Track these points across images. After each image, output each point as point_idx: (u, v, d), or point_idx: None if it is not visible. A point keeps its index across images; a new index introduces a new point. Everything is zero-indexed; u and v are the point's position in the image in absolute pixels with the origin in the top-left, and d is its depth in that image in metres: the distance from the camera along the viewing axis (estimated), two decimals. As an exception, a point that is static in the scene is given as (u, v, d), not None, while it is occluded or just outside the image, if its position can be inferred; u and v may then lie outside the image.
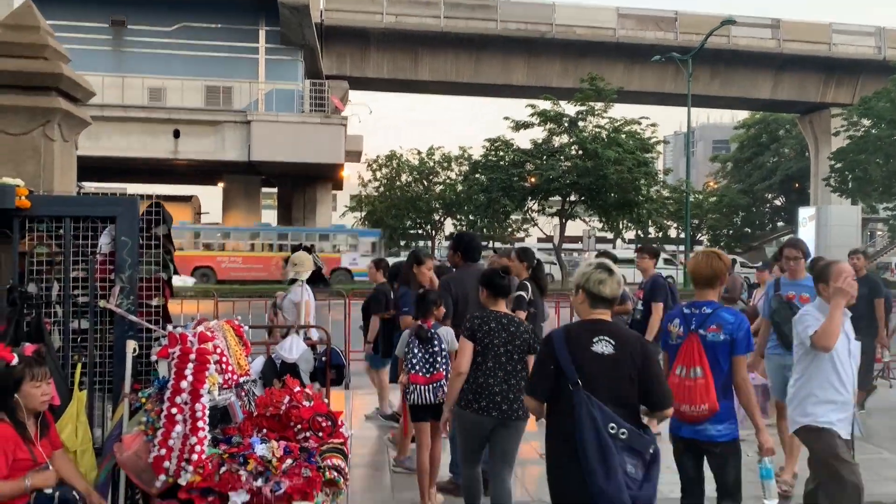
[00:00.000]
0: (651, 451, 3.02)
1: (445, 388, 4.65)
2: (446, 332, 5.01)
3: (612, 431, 2.95)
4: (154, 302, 4.07)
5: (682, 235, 42.27)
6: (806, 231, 43.15)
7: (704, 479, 3.80)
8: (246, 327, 4.07)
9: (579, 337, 3.15)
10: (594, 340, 3.11)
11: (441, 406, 4.66)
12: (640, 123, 32.32)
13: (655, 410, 3.15)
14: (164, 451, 3.29)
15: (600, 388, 3.02)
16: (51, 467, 3.42)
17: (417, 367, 4.86)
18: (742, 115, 57.02)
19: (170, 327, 3.69)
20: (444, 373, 4.84)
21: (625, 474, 2.92)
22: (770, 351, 5.84)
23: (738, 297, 9.22)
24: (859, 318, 7.94)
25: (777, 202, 54.62)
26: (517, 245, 42.25)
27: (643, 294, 7.00)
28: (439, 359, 4.88)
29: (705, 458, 3.74)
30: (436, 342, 4.92)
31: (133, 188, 29.55)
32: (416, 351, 4.90)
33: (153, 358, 3.65)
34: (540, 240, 48.98)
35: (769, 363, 5.87)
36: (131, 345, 3.82)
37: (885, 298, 8.02)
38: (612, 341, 3.11)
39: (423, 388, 4.82)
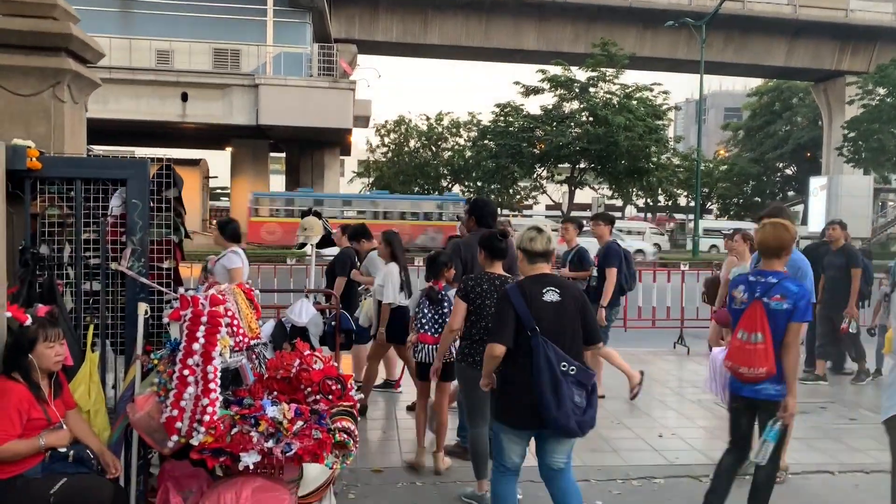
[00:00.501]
0: (592, 382, 3.61)
1: (455, 349, 4.78)
2: (452, 293, 5.11)
3: (564, 369, 3.52)
4: (165, 264, 4.08)
5: (692, 204, 42.06)
6: (817, 201, 42.83)
7: (752, 436, 4.11)
8: (256, 291, 4.09)
9: (532, 290, 3.67)
10: (544, 291, 3.67)
11: (449, 366, 4.86)
12: (651, 90, 32.01)
13: (590, 345, 3.73)
14: (176, 412, 3.32)
15: (553, 331, 3.58)
16: (65, 427, 3.47)
17: (427, 327, 5.05)
18: (755, 82, 56.24)
19: (181, 290, 3.71)
20: None
21: (572, 402, 3.50)
22: None
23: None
24: (836, 289, 8.01)
25: (788, 171, 54.14)
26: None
27: (598, 260, 7.27)
28: (448, 320, 4.95)
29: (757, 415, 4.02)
30: (445, 303, 5.08)
31: (141, 151, 29.42)
32: (426, 311, 5.09)
33: (165, 320, 3.67)
34: (548, 207, 48.82)
35: None
36: (143, 307, 3.84)
37: (864, 269, 8.04)
38: (557, 290, 3.69)
39: (430, 347, 5.01)
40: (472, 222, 5.77)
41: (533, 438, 3.76)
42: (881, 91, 34.89)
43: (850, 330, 8.00)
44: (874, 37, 39.19)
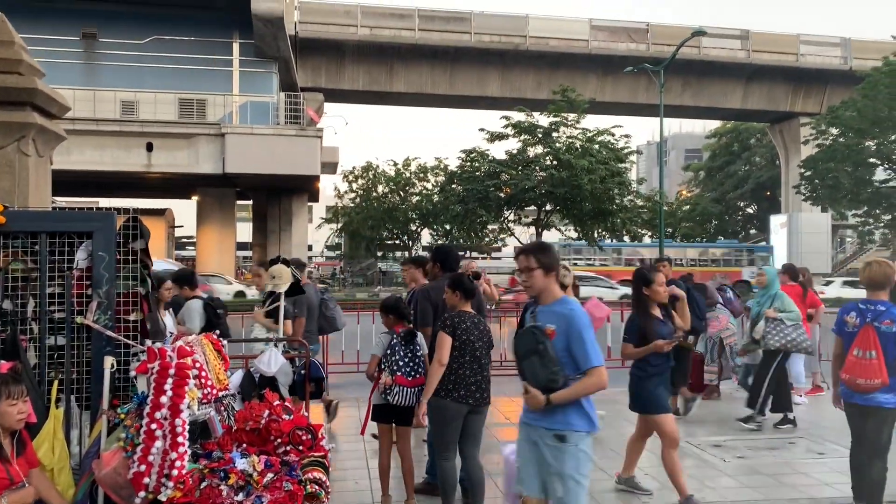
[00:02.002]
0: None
1: (404, 392, 5.05)
2: (420, 337, 5.29)
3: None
4: (132, 317, 4.05)
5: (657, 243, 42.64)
6: (778, 238, 43.78)
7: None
8: (224, 341, 4.07)
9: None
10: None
11: (408, 410, 5.07)
12: (612, 134, 32.65)
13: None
14: (143, 467, 3.27)
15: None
16: (28, 486, 3.39)
17: (405, 370, 5.07)
18: (713, 124, 57.86)
19: (148, 342, 3.68)
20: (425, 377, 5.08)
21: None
22: None
23: (716, 301, 9.37)
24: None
25: (749, 210, 55.40)
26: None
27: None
28: (420, 362, 5.11)
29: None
30: (418, 345, 5.18)
31: (105, 202, 29.16)
32: (400, 352, 5.11)
33: (132, 373, 3.63)
34: (517, 249, 49.07)
35: None
36: (109, 360, 3.79)
37: (696, 303, 8.42)
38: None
39: (408, 390, 5.04)
40: (437, 268, 5.99)
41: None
42: (834, 131, 36.09)
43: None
44: (825, 80, 40.69)
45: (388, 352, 5.16)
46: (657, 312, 5.39)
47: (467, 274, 5.46)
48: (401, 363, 5.07)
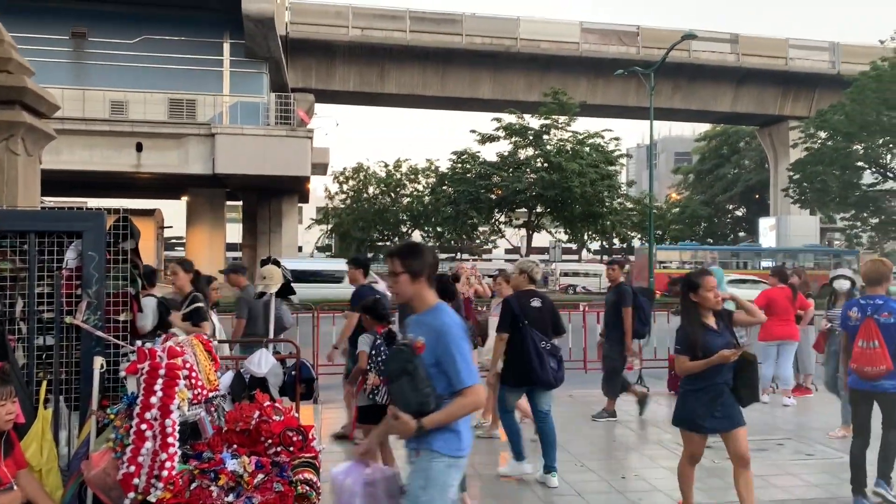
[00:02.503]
0: (560, 353, 6.09)
1: (373, 390, 5.22)
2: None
3: (543, 345, 5.92)
4: (122, 317, 4.03)
5: (647, 246, 42.87)
6: (767, 241, 44.02)
7: (871, 424, 5.28)
8: (215, 342, 4.05)
9: (522, 299, 6.11)
10: (531, 300, 6.10)
11: (378, 409, 5.05)
12: (602, 137, 32.83)
13: (557, 334, 6.22)
14: (133, 468, 3.25)
15: (535, 323, 5.97)
16: (16, 487, 3.36)
17: None
18: (703, 127, 58.12)
19: (138, 342, 3.66)
20: None
21: (550, 367, 5.88)
22: None
23: None
24: (609, 325, 8.19)
25: (738, 213, 55.69)
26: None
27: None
28: None
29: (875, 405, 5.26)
30: None
31: (94, 202, 29.02)
32: (386, 353, 5.12)
33: (121, 374, 3.61)
34: (507, 251, 49.24)
35: None
36: (99, 361, 3.77)
37: (640, 308, 8.14)
38: (540, 300, 6.14)
39: None
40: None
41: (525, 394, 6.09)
42: (822, 135, 36.34)
43: (634, 367, 8.43)
44: (814, 83, 40.97)
45: (373, 352, 5.19)
46: (711, 321, 4.65)
47: (452, 274, 6.05)
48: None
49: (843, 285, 8.22)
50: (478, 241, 42.46)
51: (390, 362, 3.16)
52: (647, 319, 8.36)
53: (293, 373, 5.67)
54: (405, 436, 2.99)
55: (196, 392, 3.56)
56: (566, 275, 44.61)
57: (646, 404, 8.42)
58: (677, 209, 53.09)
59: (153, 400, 3.31)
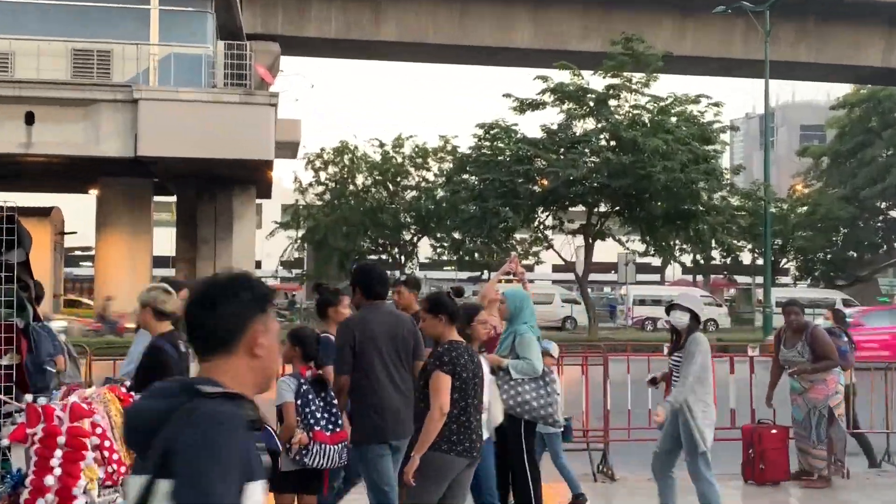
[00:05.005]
0: None
1: (348, 449, 5.93)
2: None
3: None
4: (5, 360, 4.04)
5: (760, 262, 42.53)
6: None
7: None
8: (137, 395, 4.05)
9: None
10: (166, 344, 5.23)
11: (330, 471, 6.03)
12: (697, 102, 32.74)
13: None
14: (19, 579, 3.25)
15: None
16: None
17: (323, 423, 5.79)
18: (843, 89, 57.83)
19: (28, 397, 3.66)
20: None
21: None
22: None
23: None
24: None
25: (893, 213, 55.22)
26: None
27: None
28: (338, 412, 5.94)
29: None
30: (330, 392, 5.96)
31: (-34, 197, 29.15)
32: (318, 402, 5.85)
33: (4, 442, 3.62)
34: (557, 268, 49.14)
35: None
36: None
37: None
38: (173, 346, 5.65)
39: (330, 448, 5.76)
40: (359, 295, 6.46)
41: None
42: None
43: None
44: None
45: (299, 402, 5.76)
46: None
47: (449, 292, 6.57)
48: (318, 415, 5.80)
49: None
50: (514, 253, 42.42)
51: None
52: None
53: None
54: None
55: (110, 469, 3.56)
56: (642, 302, 44.41)
57: None
58: (805, 208, 52.75)
59: (49, 480, 3.31)
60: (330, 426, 5.82)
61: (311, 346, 6.11)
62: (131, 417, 2.40)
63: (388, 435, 5.91)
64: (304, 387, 5.81)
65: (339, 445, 5.82)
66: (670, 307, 7.92)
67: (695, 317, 7.73)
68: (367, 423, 5.92)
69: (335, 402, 5.96)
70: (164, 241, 41.90)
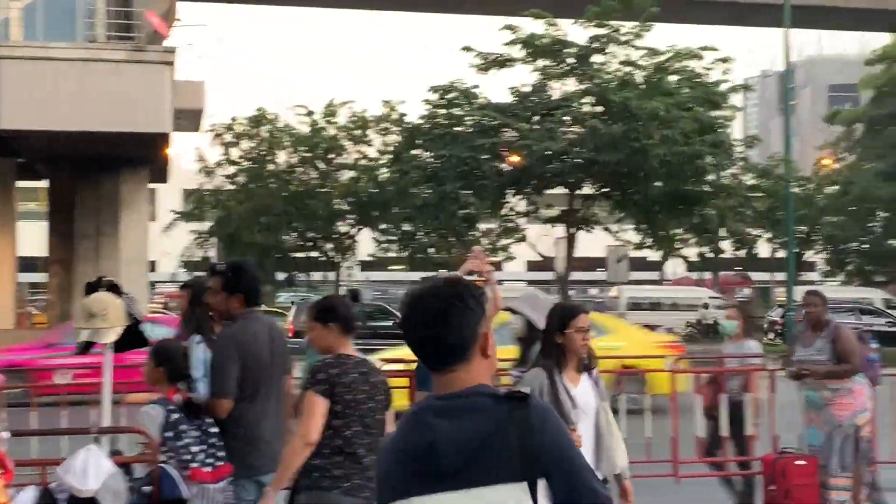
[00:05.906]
0: None
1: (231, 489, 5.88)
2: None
3: None
4: None
5: (781, 254, 42.94)
6: None
7: None
8: (5, 435, 4.00)
9: None
10: None
11: None
12: (701, 57, 32.99)
13: None
14: None
15: None
16: None
17: (201, 457, 5.77)
18: (879, 40, 58.61)
19: None
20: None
21: None
22: None
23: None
24: None
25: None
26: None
27: None
28: (218, 443, 5.86)
29: None
30: (206, 419, 5.90)
31: None
32: (193, 433, 5.81)
33: None
34: (532, 265, 49.34)
35: None
36: None
37: None
38: None
39: (211, 488, 5.75)
40: (236, 301, 6.43)
41: None
42: None
43: None
44: None
45: (170, 434, 5.72)
46: None
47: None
48: (194, 449, 5.76)
49: None
50: (478, 248, 42.50)
51: None
52: None
53: (146, 489, 5.73)
54: None
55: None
56: (638, 306, 44.69)
57: None
58: (835, 187, 53.36)
59: None
60: (209, 460, 5.80)
61: (179, 362, 6.07)
62: (444, 444, 2.91)
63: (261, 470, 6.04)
64: (174, 415, 5.78)
65: (222, 483, 5.81)
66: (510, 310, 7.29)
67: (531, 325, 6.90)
68: (243, 457, 6.04)
69: (213, 429, 5.91)
70: (33, 237, 41.54)
